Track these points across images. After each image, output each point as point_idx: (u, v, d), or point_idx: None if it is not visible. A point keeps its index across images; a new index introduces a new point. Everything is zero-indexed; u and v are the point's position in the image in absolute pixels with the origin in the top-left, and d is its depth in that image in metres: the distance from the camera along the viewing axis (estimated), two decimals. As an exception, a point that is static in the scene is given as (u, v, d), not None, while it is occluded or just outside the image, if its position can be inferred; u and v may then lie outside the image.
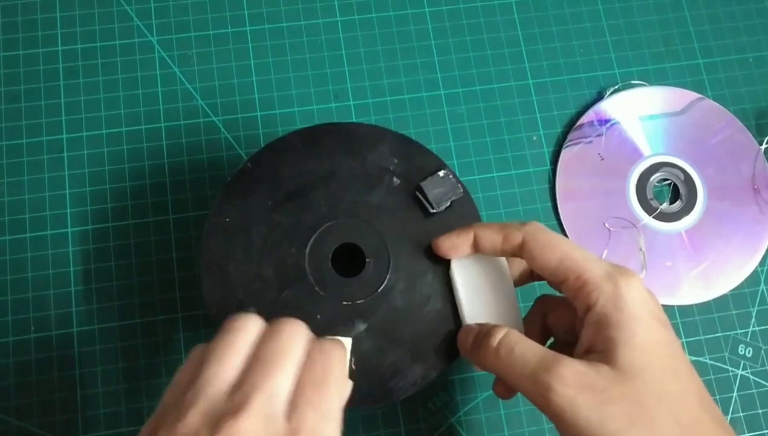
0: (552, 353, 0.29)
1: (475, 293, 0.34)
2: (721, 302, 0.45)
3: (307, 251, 0.34)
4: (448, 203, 0.35)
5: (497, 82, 0.48)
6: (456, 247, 0.33)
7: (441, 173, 0.35)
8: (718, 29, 0.50)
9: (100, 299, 0.42)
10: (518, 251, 0.32)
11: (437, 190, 0.35)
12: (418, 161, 0.36)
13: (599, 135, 0.46)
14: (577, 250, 0.31)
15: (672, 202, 0.46)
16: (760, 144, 0.47)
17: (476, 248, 0.33)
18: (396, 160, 0.36)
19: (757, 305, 0.45)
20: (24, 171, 0.44)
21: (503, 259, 0.34)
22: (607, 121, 0.47)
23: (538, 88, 0.48)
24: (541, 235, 0.31)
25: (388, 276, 0.34)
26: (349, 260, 0.35)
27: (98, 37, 0.47)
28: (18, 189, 0.44)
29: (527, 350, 0.30)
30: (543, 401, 0.28)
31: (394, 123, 0.47)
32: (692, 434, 0.27)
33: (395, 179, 0.36)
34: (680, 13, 0.51)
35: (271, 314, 0.33)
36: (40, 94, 0.46)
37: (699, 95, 0.48)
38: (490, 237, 0.32)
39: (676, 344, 0.29)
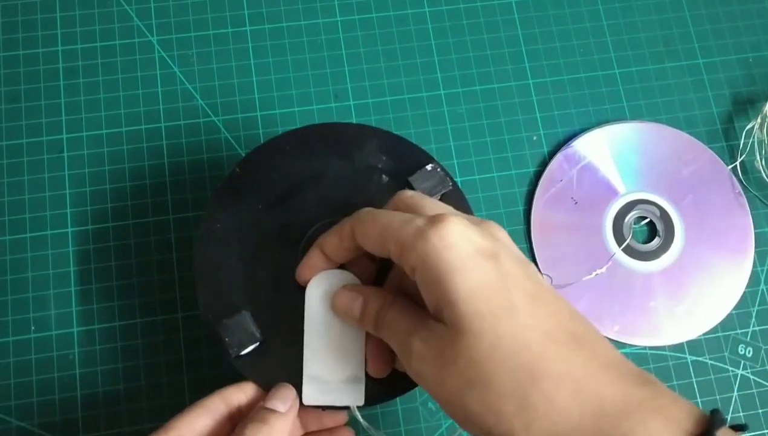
0: (409, 323, 0.28)
1: (323, 324, 0.32)
2: (721, 301, 0.45)
3: (300, 252, 0.34)
4: (438, 197, 0.35)
5: (497, 82, 0.48)
6: (313, 266, 0.33)
7: (429, 167, 0.35)
8: (718, 29, 0.50)
9: (99, 299, 0.42)
10: (355, 241, 0.30)
11: (426, 184, 0.35)
12: (407, 158, 0.36)
13: (570, 178, 0.46)
14: (395, 217, 0.28)
15: (650, 239, 0.46)
16: (729, 164, 0.47)
17: (328, 258, 0.32)
18: (384, 158, 0.36)
19: (757, 304, 0.45)
20: (24, 171, 0.44)
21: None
22: (577, 162, 0.46)
23: (538, 88, 0.48)
24: (365, 215, 0.30)
25: None
26: None
27: (98, 37, 0.47)
28: (18, 189, 0.44)
29: (394, 323, 0.29)
30: (408, 372, 0.28)
31: (394, 123, 0.47)
32: (536, 375, 0.24)
33: (384, 177, 0.36)
34: (680, 13, 0.51)
35: (266, 317, 0.33)
36: (40, 94, 0.46)
37: (670, 127, 0.47)
38: (330, 242, 0.32)
39: (511, 276, 0.26)
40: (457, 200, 0.35)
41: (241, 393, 0.32)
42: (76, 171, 0.44)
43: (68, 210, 0.44)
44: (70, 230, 0.43)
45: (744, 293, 0.45)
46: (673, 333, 0.44)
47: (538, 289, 0.26)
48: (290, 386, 0.32)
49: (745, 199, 0.46)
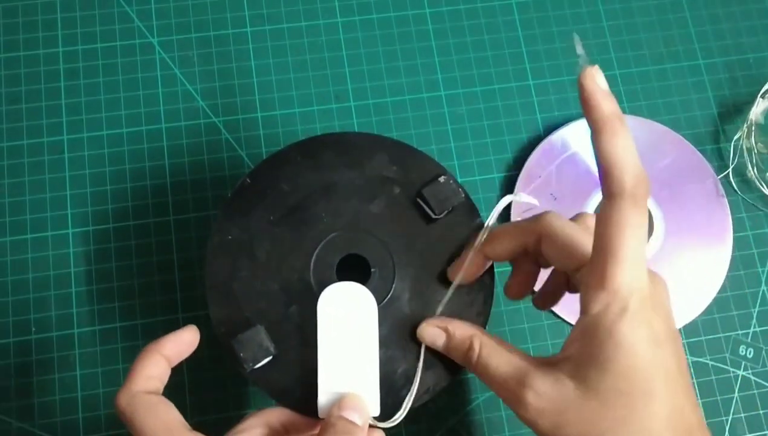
0: (522, 367, 0.29)
1: (337, 335, 0.32)
2: (721, 302, 0.45)
3: (312, 264, 0.34)
4: (450, 209, 0.35)
5: (498, 83, 0.48)
6: (472, 275, 0.34)
7: (441, 179, 0.35)
8: (719, 30, 0.50)
9: (100, 300, 0.42)
10: (523, 242, 0.32)
11: (438, 197, 0.35)
12: (418, 168, 0.36)
13: (550, 173, 0.45)
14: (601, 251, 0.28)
15: None
16: (728, 165, 0.47)
17: (486, 257, 0.33)
18: (395, 168, 0.36)
19: (758, 305, 0.45)
20: (25, 172, 0.44)
21: (374, 303, 0.33)
22: (561, 153, 0.46)
23: (539, 89, 0.48)
24: (556, 222, 0.31)
25: (393, 285, 0.34)
26: (354, 271, 0.35)
27: (99, 38, 0.47)
28: (19, 190, 0.44)
29: (499, 366, 0.30)
30: (516, 414, 0.30)
31: (395, 124, 0.47)
32: None
33: (396, 187, 0.35)
34: (681, 14, 0.51)
35: (279, 331, 0.33)
36: (41, 96, 0.46)
37: (648, 120, 0.47)
38: (500, 239, 0.33)
39: (663, 366, 0.27)
40: (469, 212, 0.35)
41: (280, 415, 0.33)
42: (76, 172, 0.44)
43: (69, 211, 0.44)
44: (70, 231, 0.43)
45: (745, 293, 0.45)
46: None
47: (677, 377, 0.28)
48: (361, 398, 0.32)
49: (724, 194, 0.46)
